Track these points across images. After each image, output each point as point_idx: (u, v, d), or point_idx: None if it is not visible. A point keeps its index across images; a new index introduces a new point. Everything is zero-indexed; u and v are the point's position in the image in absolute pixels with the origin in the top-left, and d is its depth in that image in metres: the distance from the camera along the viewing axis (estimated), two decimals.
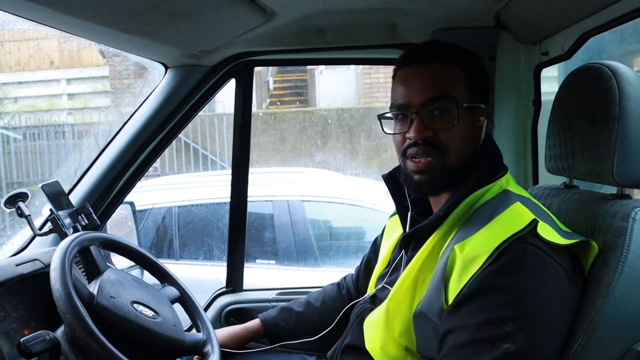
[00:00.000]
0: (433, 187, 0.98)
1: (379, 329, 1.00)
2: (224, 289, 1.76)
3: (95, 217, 1.34)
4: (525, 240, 0.83)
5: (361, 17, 1.37)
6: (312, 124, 6.90)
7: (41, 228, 1.36)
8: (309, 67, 8.31)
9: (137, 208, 1.85)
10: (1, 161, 6.27)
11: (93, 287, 1.06)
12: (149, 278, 1.31)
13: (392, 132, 1.01)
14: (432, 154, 0.95)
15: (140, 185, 1.77)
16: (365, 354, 1.04)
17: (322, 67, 8.36)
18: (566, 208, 1.01)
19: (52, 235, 1.36)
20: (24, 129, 6.68)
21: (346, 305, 1.25)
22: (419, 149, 0.95)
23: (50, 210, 1.27)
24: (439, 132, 0.95)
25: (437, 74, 0.96)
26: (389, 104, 1.02)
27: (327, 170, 5.68)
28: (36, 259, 1.21)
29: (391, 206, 1.14)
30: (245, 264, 1.77)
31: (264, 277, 3.09)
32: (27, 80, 7.64)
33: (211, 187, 3.68)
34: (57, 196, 1.30)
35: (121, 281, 1.12)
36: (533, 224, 0.83)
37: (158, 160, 1.87)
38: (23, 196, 1.27)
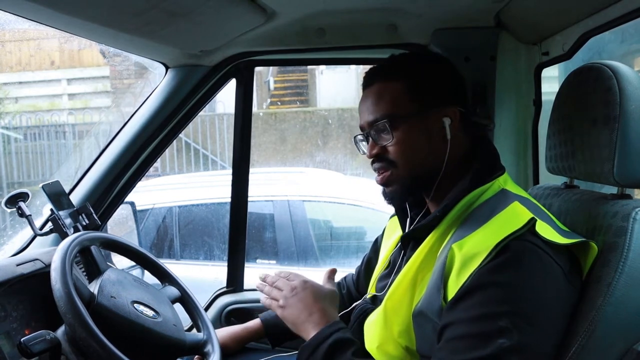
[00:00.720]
0: (399, 196, 1.04)
1: (378, 329, 1.00)
2: (225, 289, 1.76)
3: (96, 217, 1.34)
4: (524, 238, 0.83)
5: (361, 17, 1.37)
6: (312, 124, 6.91)
7: (42, 228, 1.36)
8: (309, 67, 8.31)
9: (138, 208, 1.85)
10: (2, 161, 6.28)
11: (93, 287, 1.06)
12: (149, 278, 1.32)
13: (364, 153, 1.08)
14: (386, 167, 1.02)
15: (141, 185, 1.77)
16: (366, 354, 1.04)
17: (322, 67, 8.37)
18: (566, 208, 1.01)
19: (52, 235, 1.36)
20: (24, 129, 6.69)
21: (347, 305, 1.25)
22: (376, 164, 1.04)
23: (51, 210, 1.27)
24: (387, 147, 1.01)
25: (375, 95, 1.02)
26: None
27: (328, 170, 5.68)
28: (37, 259, 1.21)
29: (391, 207, 1.15)
30: (246, 264, 1.77)
31: None
32: (28, 80, 7.66)
33: (211, 187, 3.68)
34: (57, 196, 1.30)
35: (122, 281, 1.12)
36: (531, 222, 0.84)
37: (158, 160, 1.87)
38: (24, 196, 1.28)
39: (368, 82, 1.05)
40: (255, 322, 1.38)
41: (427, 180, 1.01)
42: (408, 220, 1.11)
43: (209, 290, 1.77)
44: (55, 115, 6.97)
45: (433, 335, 0.88)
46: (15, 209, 1.27)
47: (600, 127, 0.88)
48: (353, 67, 8.10)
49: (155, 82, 1.54)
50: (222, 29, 1.34)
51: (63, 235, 1.24)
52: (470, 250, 0.84)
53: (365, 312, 1.11)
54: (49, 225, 1.28)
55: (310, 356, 1.00)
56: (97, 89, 7.79)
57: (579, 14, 1.16)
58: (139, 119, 1.50)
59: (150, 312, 1.09)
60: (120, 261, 1.43)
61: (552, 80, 1.69)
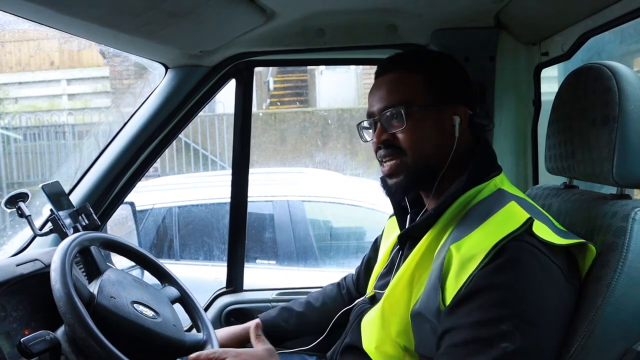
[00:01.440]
0: (402, 189, 1.04)
1: (375, 329, 1.00)
2: (224, 289, 1.76)
3: (96, 217, 1.34)
4: (521, 238, 0.83)
5: (361, 18, 1.37)
6: (312, 124, 6.90)
7: (41, 228, 1.36)
8: (309, 67, 8.31)
9: (138, 208, 1.85)
10: (2, 161, 6.28)
11: (93, 287, 1.06)
12: (149, 278, 1.32)
13: (368, 140, 1.10)
14: (394, 155, 1.02)
15: (141, 185, 1.77)
16: (364, 355, 1.04)
17: (322, 67, 8.37)
18: (566, 208, 1.01)
19: (52, 236, 1.36)
20: (24, 129, 6.69)
21: (346, 305, 1.25)
22: (383, 151, 1.03)
23: (51, 210, 1.27)
24: (396, 134, 1.01)
25: (392, 82, 1.03)
26: None
27: (327, 171, 5.68)
28: (36, 259, 1.21)
29: (391, 206, 1.15)
30: (246, 264, 1.77)
31: (264, 277, 3.10)
32: (28, 80, 7.65)
33: (211, 187, 3.68)
34: (57, 196, 1.30)
35: (121, 281, 1.12)
36: (528, 222, 0.84)
37: (158, 160, 1.87)
38: (23, 196, 1.28)
39: (386, 69, 1.05)
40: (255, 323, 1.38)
41: (430, 175, 1.01)
42: (408, 219, 1.11)
43: (209, 291, 1.77)
44: (55, 115, 6.96)
45: (431, 335, 0.88)
46: (15, 209, 1.27)
47: (600, 127, 0.88)
48: (353, 67, 8.11)
49: (155, 82, 1.54)
50: (222, 29, 1.34)
51: (63, 235, 1.25)
52: (468, 252, 0.84)
53: (363, 312, 1.11)
54: (49, 225, 1.28)
55: None
56: (96, 89, 7.78)
57: (579, 14, 1.16)
58: (139, 119, 1.50)
59: (150, 313, 1.09)
60: (120, 261, 1.43)
61: (551, 81, 1.69)
